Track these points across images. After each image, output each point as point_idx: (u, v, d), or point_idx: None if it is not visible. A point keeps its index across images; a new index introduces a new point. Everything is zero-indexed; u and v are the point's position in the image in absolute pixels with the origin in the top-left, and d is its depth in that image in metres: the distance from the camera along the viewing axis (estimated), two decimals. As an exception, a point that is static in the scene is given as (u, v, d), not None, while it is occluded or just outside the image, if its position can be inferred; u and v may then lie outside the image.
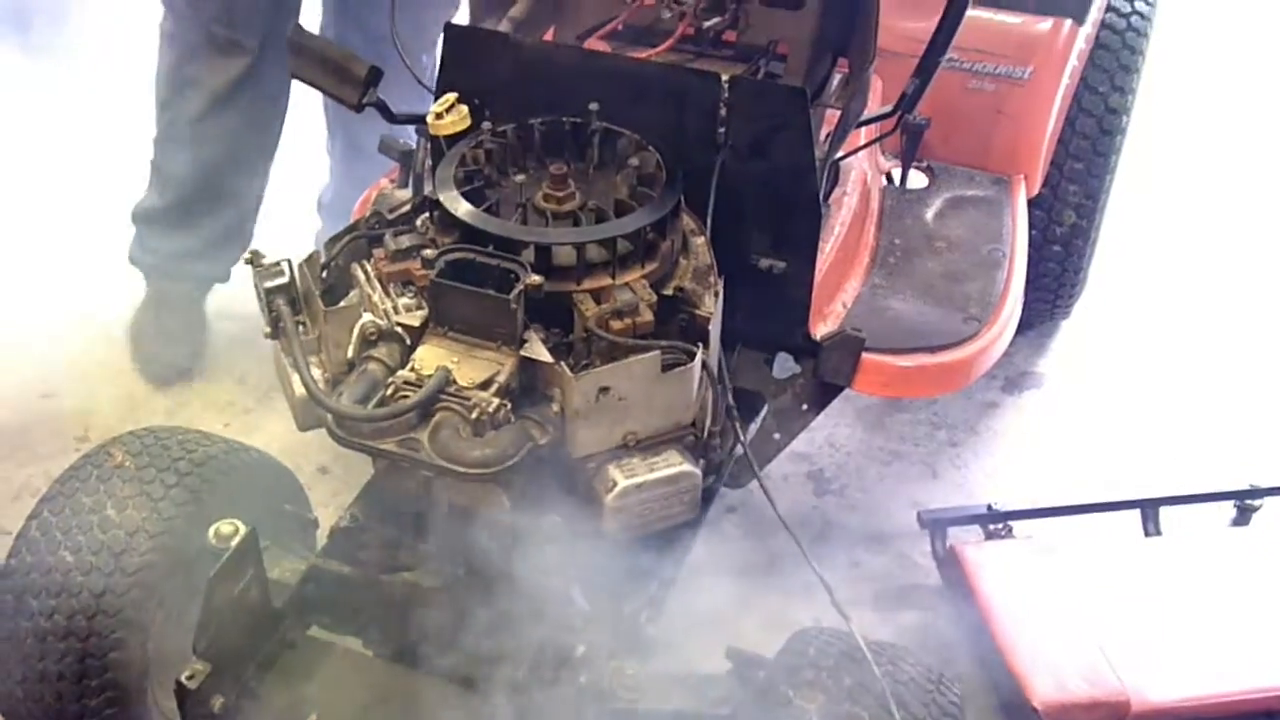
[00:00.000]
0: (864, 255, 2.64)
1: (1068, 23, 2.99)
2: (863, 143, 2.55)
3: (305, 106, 3.46)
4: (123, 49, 4.11)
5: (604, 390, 1.73)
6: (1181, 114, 4.62)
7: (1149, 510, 2.81)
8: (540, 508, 1.82)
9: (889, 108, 2.31)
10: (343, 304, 1.87)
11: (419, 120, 2.13)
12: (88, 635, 1.93)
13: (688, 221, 2.03)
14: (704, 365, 1.84)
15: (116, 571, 1.95)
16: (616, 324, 1.78)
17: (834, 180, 2.51)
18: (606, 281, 1.84)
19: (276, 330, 1.89)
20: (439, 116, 2.04)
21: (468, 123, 2.05)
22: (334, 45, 2.16)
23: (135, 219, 3.38)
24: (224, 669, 1.83)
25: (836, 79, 2.56)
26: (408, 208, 2.04)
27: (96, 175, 3.85)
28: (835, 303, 2.45)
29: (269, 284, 1.88)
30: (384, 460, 1.81)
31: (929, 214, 2.87)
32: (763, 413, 2.34)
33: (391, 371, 1.75)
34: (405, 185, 2.31)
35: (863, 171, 2.64)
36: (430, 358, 1.75)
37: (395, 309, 1.82)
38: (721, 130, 2.04)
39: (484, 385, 1.72)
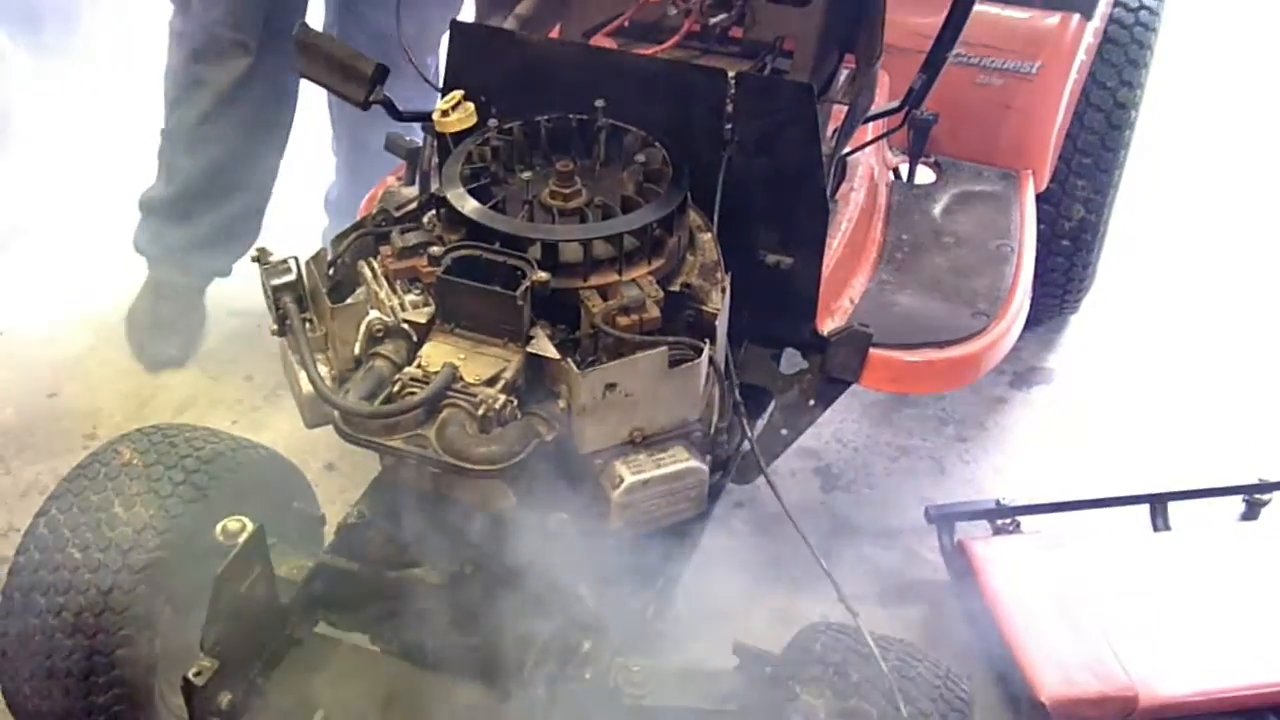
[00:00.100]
0: (871, 251, 2.64)
1: (1075, 17, 2.98)
2: (870, 138, 2.54)
3: (312, 105, 3.47)
4: (133, 48, 4.13)
5: (610, 386, 1.73)
6: (1190, 108, 4.61)
7: (1157, 505, 2.81)
8: (547, 504, 1.82)
9: (896, 103, 2.31)
10: (349, 301, 1.88)
11: (425, 118, 2.13)
12: (95, 632, 1.94)
13: (694, 218, 2.03)
14: (711, 361, 1.83)
15: (124, 569, 1.95)
16: (623, 320, 1.77)
17: (841, 176, 2.50)
18: (613, 278, 1.83)
19: (283, 327, 1.89)
20: (445, 114, 2.04)
21: (474, 120, 2.05)
22: (340, 44, 2.16)
23: (141, 207, 3.42)
24: (231, 666, 1.84)
25: (843, 75, 2.56)
26: (414, 205, 2.04)
27: (107, 175, 3.86)
28: (842, 298, 2.44)
29: (276, 281, 1.88)
30: (391, 457, 1.81)
31: (936, 209, 2.86)
32: (770, 408, 2.34)
33: (398, 368, 1.75)
34: (412, 183, 2.31)
35: (870, 167, 2.64)
36: (437, 354, 1.75)
37: (402, 306, 1.82)
38: (728, 126, 2.04)
39: (490, 382, 1.71)
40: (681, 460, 1.81)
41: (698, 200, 2.02)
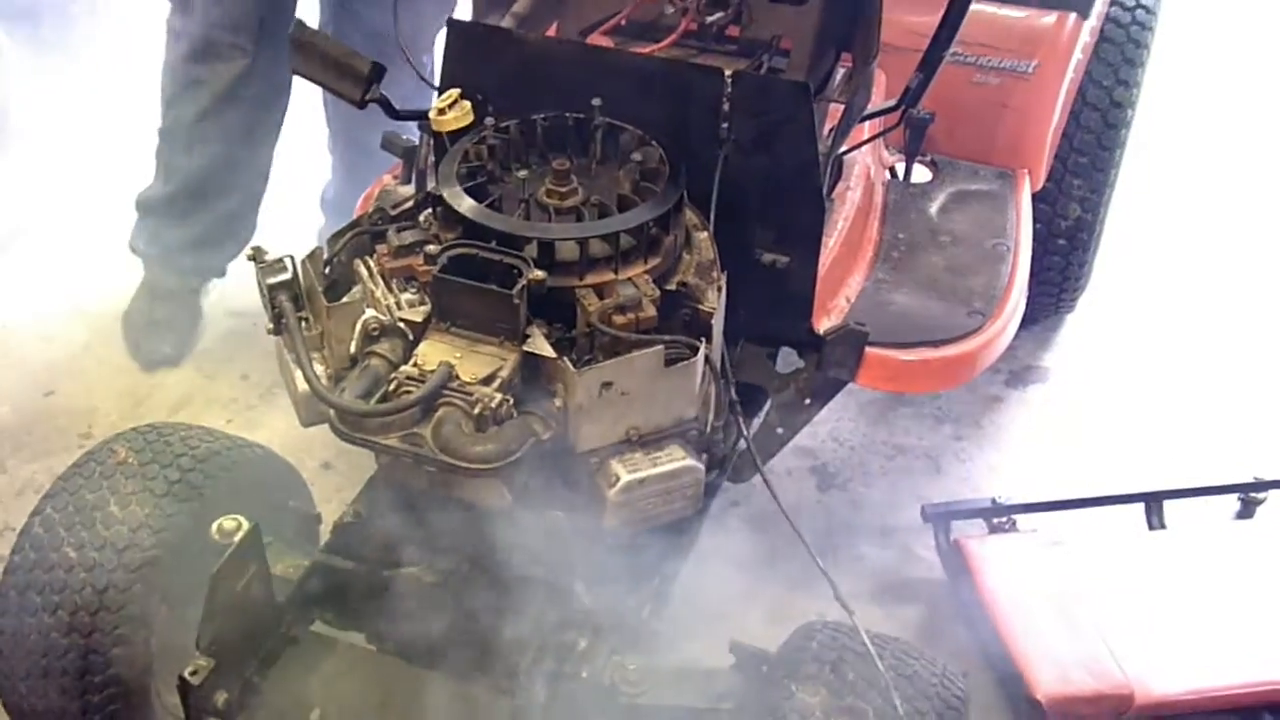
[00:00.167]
0: (867, 250, 2.64)
1: (1072, 16, 2.98)
2: (866, 137, 2.54)
3: (308, 105, 3.46)
4: (133, 44, 4.12)
5: (607, 385, 1.73)
6: (1186, 108, 4.61)
7: (1153, 504, 2.81)
8: (543, 503, 1.82)
9: (892, 102, 2.31)
10: (345, 300, 1.87)
11: (422, 116, 2.13)
12: (91, 631, 1.94)
13: (691, 217, 2.03)
14: (707, 360, 1.83)
15: (120, 568, 1.95)
16: (619, 319, 1.77)
17: (837, 175, 2.50)
18: (609, 277, 1.83)
19: (279, 326, 1.89)
20: (442, 112, 2.04)
21: (470, 118, 2.05)
22: (336, 42, 2.16)
23: (138, 207, 3.43)
24: (227, 665, 1.83)
25: (840, 74, 2.56)
26: (410, 204, 2.04)
27: (104, 173, 3.85)
28: (839, 297, 2.44)
29: (272, 280, 1.88)
30: (387, 456, 1.81)
31: (933, 208, 2.86)
32: (766, 407, 2.34)
33: (394, 367, 1.75)
34: (408, 181, 2.31)
35: (866, 166, 2.64)
36: (433, 353, 1.75)
37: (398, 304, 1.82)
38: (724, 125, 2.04)
39: (486, 380, 1.71)
40: (678, 459, 1.81)
41: (694, 199, 2.02)
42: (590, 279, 1.83)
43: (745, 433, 2.02)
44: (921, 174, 3.00)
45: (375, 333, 1.78)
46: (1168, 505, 2.81)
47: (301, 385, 1.81)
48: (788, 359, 2.35)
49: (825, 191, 2.24)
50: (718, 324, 1.89)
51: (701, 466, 1.84)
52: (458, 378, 1.71)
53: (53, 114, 4.28)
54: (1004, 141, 3.02)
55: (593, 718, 1.90)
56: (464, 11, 2.52)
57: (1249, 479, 2.88)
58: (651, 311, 1.80)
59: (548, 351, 1.75)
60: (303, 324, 1.87)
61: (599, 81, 2.04)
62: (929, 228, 2.78)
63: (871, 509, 3.00)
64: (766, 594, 2.67)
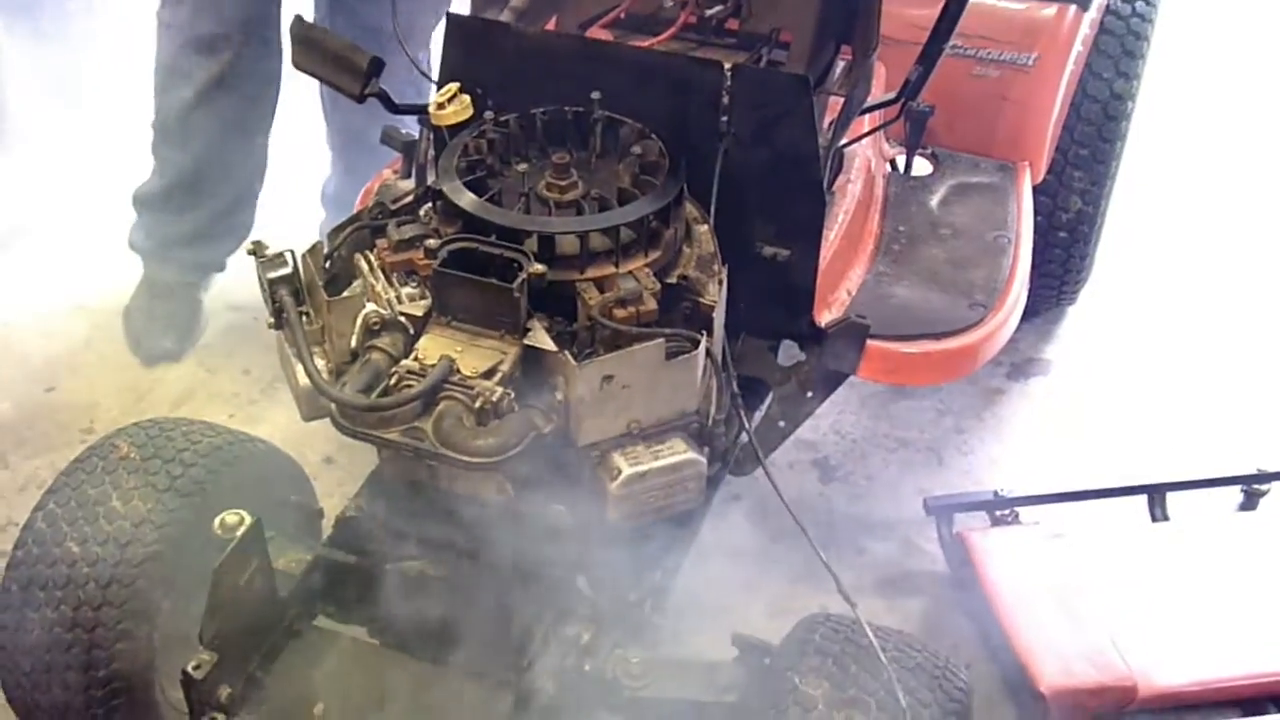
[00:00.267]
0: (868, 242, 2.63)
1: (1072, 8, 2.98)
2: (866, 130, 2.54)
3: (306, 99, 3.46)
4: (130, 41, 4.11)
5: (608, 378, 1.73)
6: (1187, 99, 4.60)
7: (1156, 495, 2.81)
8: (544, 496, 1.82)
9: (892, 94, 2.30)
10: (346, 294, 1.87)
11: (421, 110, 2.13)
12: (94, 626, 1.94)
13: (691, 210, 2.03)
14: (708, 353, 1.83)
15: (122, 562, 1.95)
16: (620, 312, 1.77)
17: (838, 168, 2.50)
18: (610, 270, 1.83)
19: (280, 321, 1.89)
20: (441, 106, 2.04)
21: (470, 113, 2.05)
22: (335, 36, 2.16)
23: (135, 203, 3.43)
24: (230, 659, 1.83)
25: (840, 66, 2.56)
26: (410, 198, 2.04)
27: (105, 168, 3.85)
28: (840, 290, 2.44)
29: (272, 274, 1.88)
30: (388, 450, 1.81)
31: (934, 201, 2.86)
32: (767, 400, 2.34)
33: (395, 361, 1.75)
34: (408, 176, 2.31)
35: (866, 159, 2.63)
36: (433, 347, 1.75)
37: (398, 299, 1.82)
38: (724, 118, 2.03)
39: (487, 374, 1.71)
40: (679, 452, 1.81)
41: (694, 192, 2.02)
42: (591, 272, 1.83)
43: (747, 425, 2.01)
44: (922, 167, 3.00)
45: (376, 327, 1.78)
46: (1170, 497, 2.81)
47: (302, 380, 1.81)
48: (789, 352, 2.35)
49: (826, 184, 2.24)
50: (719, 317, 1.89)
51: (703, 459, 1.84)
52: (458, 372, 1.71)
53: (52, 111, 4.28)
54: (1004, 134, 3.02)
55: (595, 710, 1.90)
56: (461, 6, 2.52)
57: (1252, 471, 2.87)
58: (652, 305, 1.80)
59: (549, 345, 1.75)
60: (303, 318, 1.87)
61: (598, 75, 2.04)
62: (930, 220, 2.78)
63: (873, 502, 3.00)
64: (768, 587, 2.67)
